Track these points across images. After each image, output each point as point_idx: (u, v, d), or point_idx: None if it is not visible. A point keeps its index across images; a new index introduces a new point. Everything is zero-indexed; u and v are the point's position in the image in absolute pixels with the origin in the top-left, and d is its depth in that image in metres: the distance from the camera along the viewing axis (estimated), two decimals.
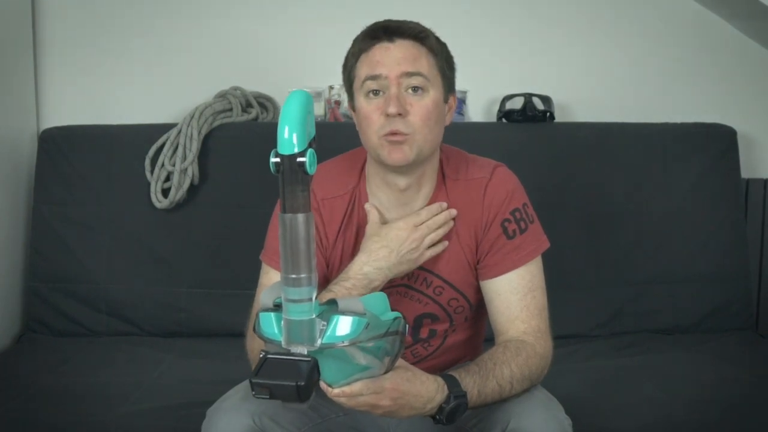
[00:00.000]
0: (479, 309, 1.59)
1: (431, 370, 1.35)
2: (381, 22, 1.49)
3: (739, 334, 2.35)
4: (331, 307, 1.17)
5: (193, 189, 2.40)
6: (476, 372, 1.37)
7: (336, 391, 1.21)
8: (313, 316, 1.12)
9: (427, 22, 1.51)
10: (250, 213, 2.29)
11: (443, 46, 1.51)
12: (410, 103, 1.45)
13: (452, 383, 1.33)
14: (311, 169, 1.10)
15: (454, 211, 1.52)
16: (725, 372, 2.07)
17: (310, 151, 1.10)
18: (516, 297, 1.50)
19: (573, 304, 2.36)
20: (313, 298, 1.13)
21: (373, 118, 1.45)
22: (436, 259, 1.54)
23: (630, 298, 2.41)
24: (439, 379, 1.33)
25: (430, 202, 1.54)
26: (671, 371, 2.09)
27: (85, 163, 2.44)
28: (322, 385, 1.22)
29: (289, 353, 1.13)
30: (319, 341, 1.13)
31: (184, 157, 2.36)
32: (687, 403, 1.87)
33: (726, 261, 2.43)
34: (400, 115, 1.43)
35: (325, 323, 1.14)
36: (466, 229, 1.53)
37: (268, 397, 1.11)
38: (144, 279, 2.41)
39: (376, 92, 1.45)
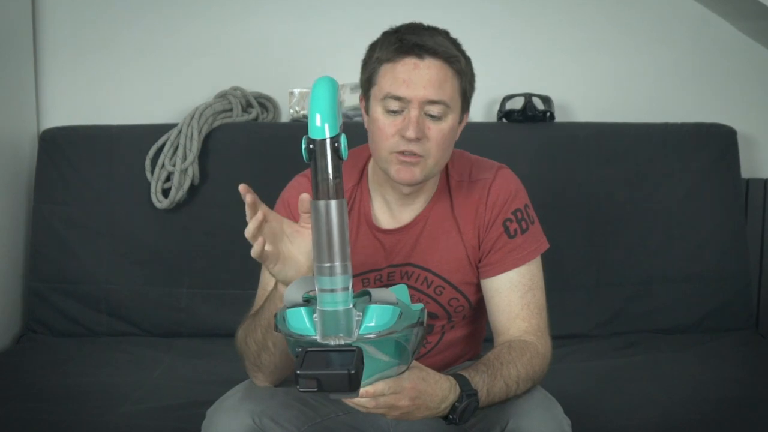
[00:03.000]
0: (478, 308, 1.59)
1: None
2: (414, 32, 1.45)
3: (739, 334, 2.35)
4: (363, 298, 1.15)
5: (193, 189, 2.40)
6: (484, 371, 1.37)
7: (361, 391, 1.17)
8: (350, 305, 1.09)
9: (426, 23, 1.51)
10: None
11: (469, 64, 1.50)
12: (428, 127, 1.43)
13: (463, 382, 1.33)
14: (345, 154, 1.09)
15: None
16: (725, 372, 2.07)
17: (342, 135, 1.09)
18: (517, 295, 1.51)
19: (573, 304, 2.36)
20: (349, 287, 1.10)
21: (388, 134, 1.44)
22: (437, 258, 1.54)
23: (630, 298, 2.41)
24: (451, 378, 1.33)
25: (433, 203, 1.55)
26: (671, 371, 2.09)
27: (85, 163, 2.44)
28: None
29: (328, 346, 1.10)
30: (356, 332, 1.10)
31: (185, 157, 2.36)
32: (687, 403, 1.87)
33: (726, 261, 2.43)
34: (417, 138, 1.43)
35: (360, 314, 1.12)
36: (470, 228, 1.54)
37: (315, 389, 1.07)
38: (144, 279, 2.41)
39: (395, 111, 1.44)
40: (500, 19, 2.63)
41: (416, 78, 1.42)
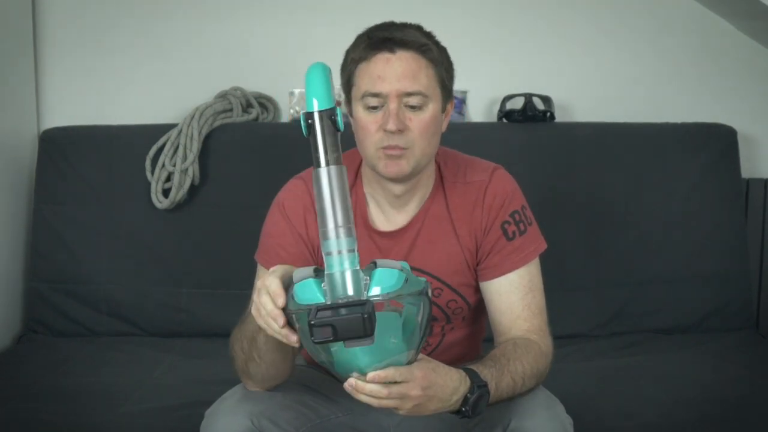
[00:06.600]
0: (478, 309, 1.59)
1: None
2: (383, 29, 1.47)
3: (739, 334, 2.35)
4: (370, 266, 1.20)
5: (193, 189, 2.40)
6: (492, 366, 1.37)
7: (371, 375, 1.18)
8: (357, 267, 1.15)
9: (426, 24, 1.51)
10: (251, 213, 2.26)
11: (443, 52, 1.49)
12: (409, 118, 1.44)
13: (472, 374, 1.33)
14: (341, 126, 1.19)
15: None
16: (725, 372, 2.07)
17: (338, 108, 1.19)
18: (517, 296, 1.50)
19: (573, 304, 2.36)
20: (355, 249, 1.16)
21: (371, 130, 1.45)
22: (434, 261, 1.53)
23: (630, 298, 2.40)
24: (460, 371, 1.32)
25: (428, 205, 1.54)
26: (671, 371, 2.09)
27: (86, 163, 2.44)
28: (348, 385, 1.20)
29: (337, 303, 1.14)
30: (365, 293, 1.15)
31: (185, 158, 2.36)
32: (687, 402, 1.87)
33: (726, 261, 2.42)
34: (399, 130, 1.43)
35: (368, 278, 1.16)
36: (467, 231, 1.53)
37: (331, 338, 1.11)
38: (144, 279, 2.41)
39: (375, 107, 1.45)
40: (500, 19, 2.63)
41: (390, 72, 1.43)
